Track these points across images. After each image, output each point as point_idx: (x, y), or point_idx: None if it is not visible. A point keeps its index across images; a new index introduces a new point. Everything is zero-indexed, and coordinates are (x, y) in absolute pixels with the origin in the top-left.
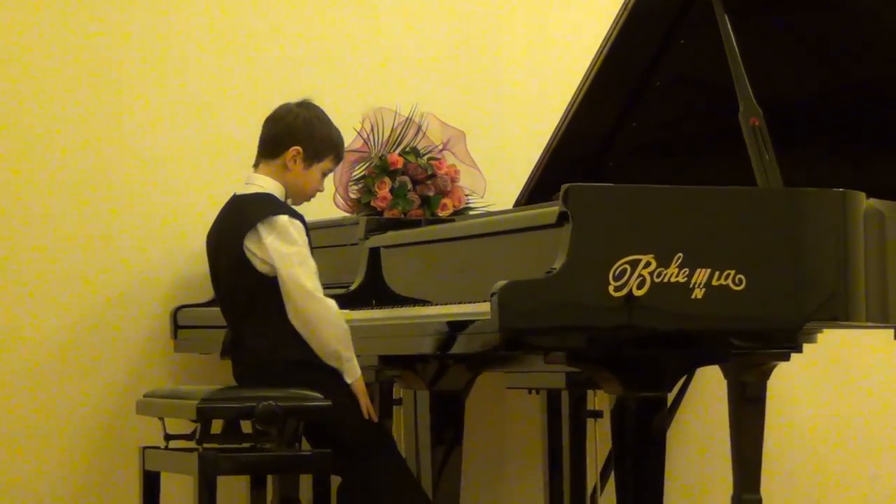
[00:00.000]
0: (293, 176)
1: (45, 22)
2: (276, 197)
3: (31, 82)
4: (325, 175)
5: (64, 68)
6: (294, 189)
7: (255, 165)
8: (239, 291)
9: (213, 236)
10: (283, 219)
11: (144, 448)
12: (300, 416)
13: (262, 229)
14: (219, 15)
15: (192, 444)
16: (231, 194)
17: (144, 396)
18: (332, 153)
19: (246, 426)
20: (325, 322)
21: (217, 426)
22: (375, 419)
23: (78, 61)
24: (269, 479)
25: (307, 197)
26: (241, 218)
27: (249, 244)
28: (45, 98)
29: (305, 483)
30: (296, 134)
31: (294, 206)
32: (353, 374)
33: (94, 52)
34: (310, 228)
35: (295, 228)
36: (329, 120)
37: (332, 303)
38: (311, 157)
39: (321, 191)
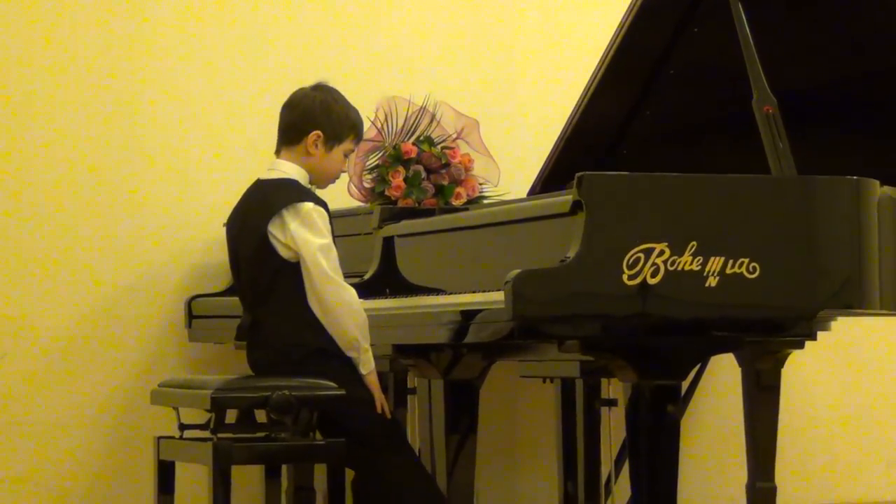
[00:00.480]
0: (316, 160)
1: (56, 13)
2: (299, 183)
3: (45, 74)
4: (347, 156)
5: (77, 60)
6: (318, 173)
7: (277, 152)
8: (260, 276)
9: (235, 220)
10: (308, 206)
11: (159, 438)
12: (314, 405)
13: (287, 215)
14: (232, 3)
15: (206, 434)
16: (248, 181)
17: (159, 386)
18: (351, 133)
19: (260, 416)
20: (347, 310)
21: (231, 416)
22: (389, 414)
23: (90, 52)
24: (284, 468)
25: (332, 179)
26: (265, 203)
27: (273, 229)
28: (58, 89)
29: (320, 473)
30: (314, 118)
31: (318, 191)
32: (368, 366)
33: (106, 44)
34: None
35: (319, 216)
36: (345, 100)
37: (354, 292)
38: (332, 139)
39: (345, 171)
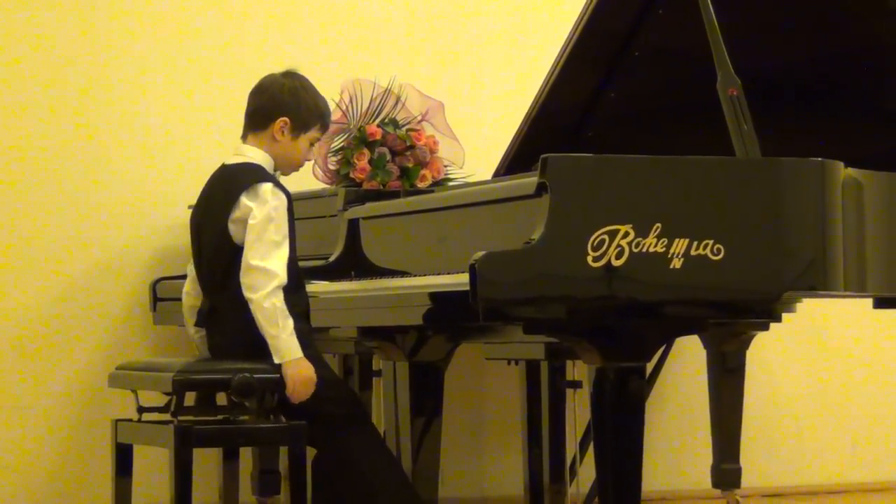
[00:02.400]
0: (281, 147)
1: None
2: (264, 168)
3: (4, 56)
4: (312, 144)
5: (39, 42)
6: (282, 160)
7: (243, 137)
8: (219, 262)
9: (199, 205)
10: (267, 186)
11: (117, 421)
12: (276, 388)
13: (245, 198)
14: None
15: (165, 417)
16: (213, 164)
17: (117, 369)
18: (318, 122)
19: (220, 398)
20: (255, 303)
21: (189, 399)
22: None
23: (52, 33)
24: (245, 451)
25: (296, 167)
26: (227, 190)
27: (233, 216)
28: (19, 72)
29: (285, 455)
30: (282, 105)
31: (281, 178)
32: (282, 355)
33: (68, 25)
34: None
35: (275, 198)
36: (315, 89)
37: (275, 279)
38: (299, 127)
39: (309, 160)
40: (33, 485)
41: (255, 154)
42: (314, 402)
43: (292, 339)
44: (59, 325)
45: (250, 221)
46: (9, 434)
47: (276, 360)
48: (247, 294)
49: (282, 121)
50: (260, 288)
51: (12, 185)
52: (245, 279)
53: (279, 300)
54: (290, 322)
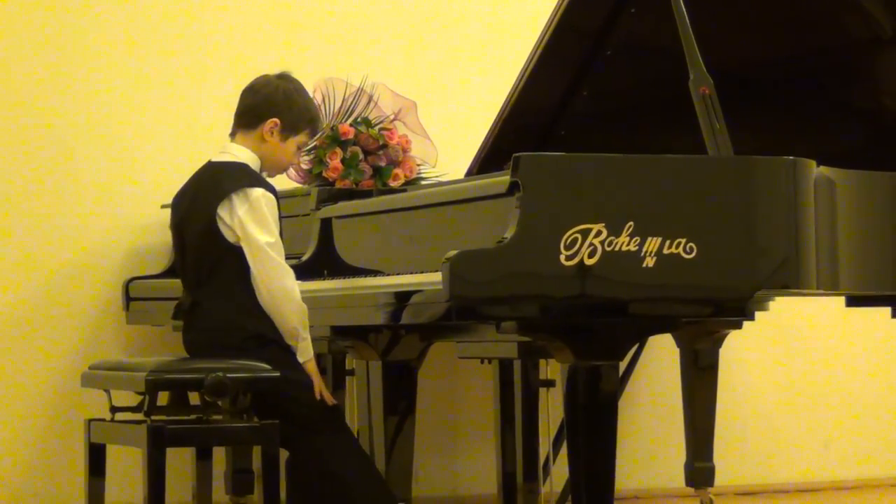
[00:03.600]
0: (269, 148)
1: None
2: (251, 168)
3: None
4: (300, 148)
5: (14, 38)
6: (269, 161)
7: (232, 135)
8: (205, 258)
9: (183, 200)
10: (258, 192)
11: (90, 420)
12: (250, 388)
13: (237, 200)
14: None
15: (138, 417)
16: (186, 163)
17: (89, 368)
18: (308, 127)
19: (193, 398)
20: (289, 301)
21: (163, 398)
22: (330, 402)
23: (28, 29)
24: (218, 451)
25: (282, 169)
26: (216, 186)
27: (221, 213)
28: None
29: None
30: (275, 106)
31: (269, 178)
32: (307, 353)
33: (43, 21)
34: None
35: (268, 204)
36: (307, 93)
37: (295, 282)
38: (289, 129)
39: (295, 163)
40: (5, 484)
41: (242, 153)
42: (288, 403)
43: (309, 339)
44: (31, 325)
45: (251, 231)
46: None
47: (302, 360)
48: (277, 299)
49: (272, 122)
50: (291, 291)
51: None
52: (273, 283)
53: (299, 298)
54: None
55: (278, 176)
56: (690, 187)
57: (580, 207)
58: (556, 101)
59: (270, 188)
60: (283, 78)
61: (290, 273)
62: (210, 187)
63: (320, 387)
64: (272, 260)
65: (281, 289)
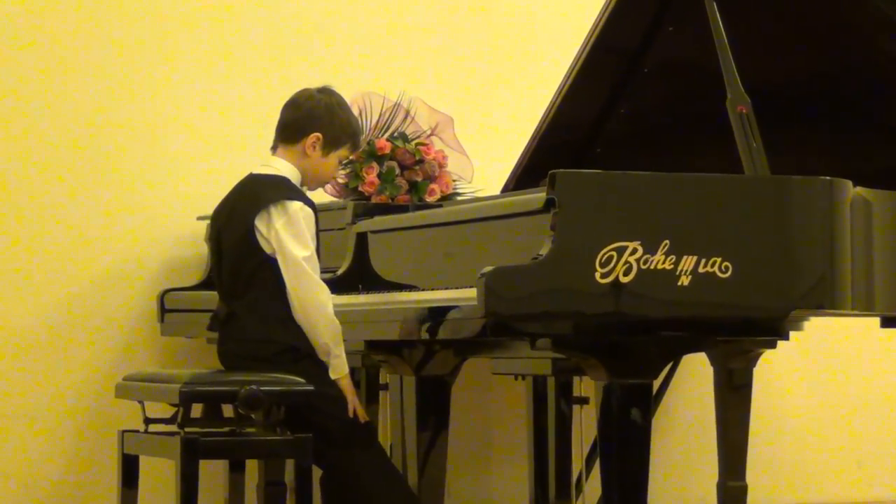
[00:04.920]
0: (311, 162)
1: (39, 2)
2: (291, 181)
3: (22, 66)
4: (341, 162)
5: (56, 52)
6: (310, 175)
7: (273, 149)
8: (242, 269)
9: (222, 211)
10: (296, 205)
11: (123, 431)
12: (283, 401)
13: (274, 212)
14: (211, 1)
15: (172, 428)
16: (224, 176)
17: (124, 380)
18: (350, 141)
19: (227, 410)
20: (322, 314)
21: (196, 410)
22: (362, 417)
23: (69, 43)
24: (251, 463)
25: (322, 183)
26: (254, 197)
27: (259, 224)
28: (34, 81)
29: (292, 468)
30: (317, 120)
31: (308, 192)
32: (339, 370)
33: (85, 35)
34: None
35: (305, 218)
36: (348, 107)
37: (329, 299)
38: (331, 144)
39: (336, 177)
40: (39, 495)
41: (284, 167)
42: (321, 418)
43: (343, 355)
44: (66, 335)
45: (287, 244)
46: (15, 444)
47: (334, 376)
48: (310, 313)
49: (314, 136)
50: (324, 306)
51: (22, 193)
52: (306, 297)
53: (331, 313)
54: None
55: (315, 191)
56: (727, 206)
57: (616, 225)
58: (593, 118)
59: (309, 202)
60: (325, 92)
61: (325, 289)
62: (249, 198)
63: (354, 404)
64: (306, 274)
65: (314, 303)
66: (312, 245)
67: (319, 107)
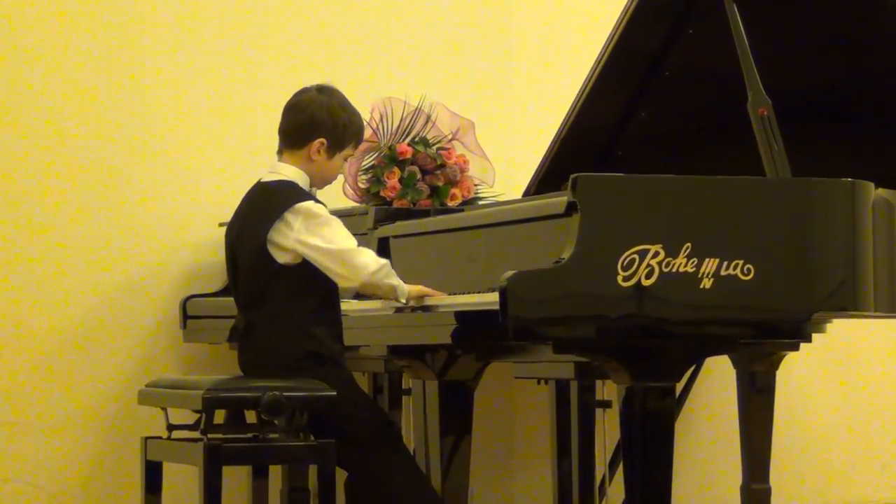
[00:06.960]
0: (317, 165)
1: (55, 11)
2: (298, 185)
3: (42, 73)
4: (346, 160)
5: (74, 59)
6: (317, 177)
7: (279, 153)
8: (257, 280)
9: (235, 222)
10: (308, 203)
11: (146, 438)
12: (306, 406)
13: (290, 217)
14: (229, 3)
15: (195, 435)
16: (244, 181)
17: (146, 386)
18: (353, 140)
19: (250, 416)
20: (373, 278)
21: (219, 417)
22: (431, 294)
23: (87, 51)
24: (273, 469)
25: (329, 182)
26: (265, 207)
27: (273, 235)
28: (55, 89)
29: (315, 473)
30: (320, 125)
31: (316, 193)
32: (404, 293)
33: (102, 43)
34: None
35: (320, 210)
36: (349, 104)
37: (372, 259)
38: (335, 146)
39: (342, 174)
40: (63, 502)
41: (291, 172)
42: (345, 422)
43: (399, 282)
44: (88, 342)
45: (317, 252)
46: (39, 451)
47: (403, 301)
48: (356, 278)
49: (319, 142)
50: (366, 264)
51: (43, 201)
52: (353, 274)
53: (374, 262)
54: (393, 271)
55: (337, 195)
56: (748, 209)
57: (638, 228)
58: (614, 121)
59: (319, 203)
60: (324, 91)
61: (360, 251)
62: (259, 209)
63: (425, 290)
64: (342, 257)
65: (362, 275)
66: (334, 223)
67: (321, 111)
